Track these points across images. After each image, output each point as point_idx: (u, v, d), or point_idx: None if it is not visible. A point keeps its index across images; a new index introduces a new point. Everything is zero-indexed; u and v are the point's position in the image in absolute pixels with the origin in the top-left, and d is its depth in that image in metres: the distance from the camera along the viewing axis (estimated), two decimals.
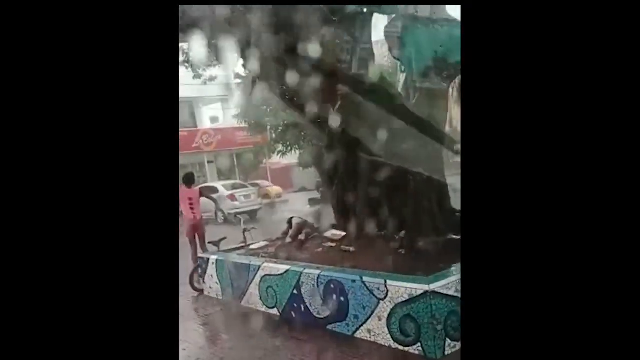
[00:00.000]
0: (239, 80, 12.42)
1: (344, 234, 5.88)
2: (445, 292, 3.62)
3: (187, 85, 17.96)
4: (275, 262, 5.35)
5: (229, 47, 5.69)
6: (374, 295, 3.99)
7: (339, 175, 6.09)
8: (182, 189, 7.18)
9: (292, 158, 20.77)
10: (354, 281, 4.18)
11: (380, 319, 3.96)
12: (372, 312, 4.03)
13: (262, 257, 5.77)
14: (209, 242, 6.91)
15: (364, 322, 4.11)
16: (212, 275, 6.33)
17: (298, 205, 16.67)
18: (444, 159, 5.83)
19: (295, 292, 4.85)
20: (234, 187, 17.19)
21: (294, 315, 4.92)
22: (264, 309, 5.34)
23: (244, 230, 7.03)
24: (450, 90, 6.09)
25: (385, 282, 3.91)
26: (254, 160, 22.69)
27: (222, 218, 15.36)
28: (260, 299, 5.38)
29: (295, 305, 4.87)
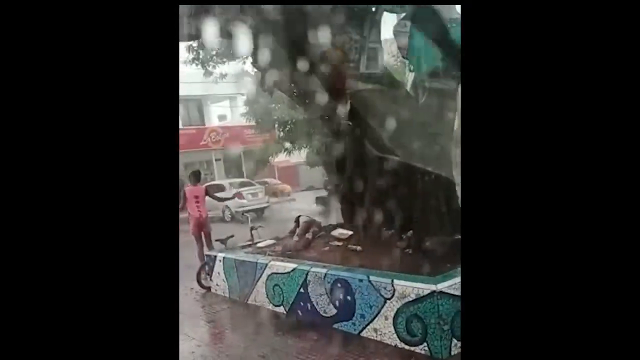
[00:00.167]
0: (248, 78, 12.45)
1: (351, 233, 5.87)
2: (452, 292, 3.60)
3: (196, 84, 18.09)
4: (282, 261, 5.35)
5: (240, 44, 5.70)
6: (380, 294, 3.99)
7: (346, 174, 6.08)
8: (188, 187, 7.21)
9: (299, 156, 20.80)
10: (360, 280, 4.18)
11: (386, 318, 3.96)
12: (379, 312, 4.02)
13: (269, 255, 5.78)
14: (217, 240, 6.94)
15: (371, 321, 4.11)
16: (219, 273, 6.35)
17: (305, 204, 16.68)
18: (452, 158, 5.80)
19: (301, 290, 4.85)
20: (241, 185, 17.22)
21: (300, 314, 4.92)
22: (270, 307, 5.35)
23: (251, 228, 7.05)
24: (459, 89, 6.06)
25: (392, 281, 3.91)
26: (261, 159, 22.70)
27: (230, 216, 15.41)
28: (267, 297, 5.39)
29: (301, 303, 4.88)
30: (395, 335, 3.90)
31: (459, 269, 3.93)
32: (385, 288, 3.95)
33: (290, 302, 5.04)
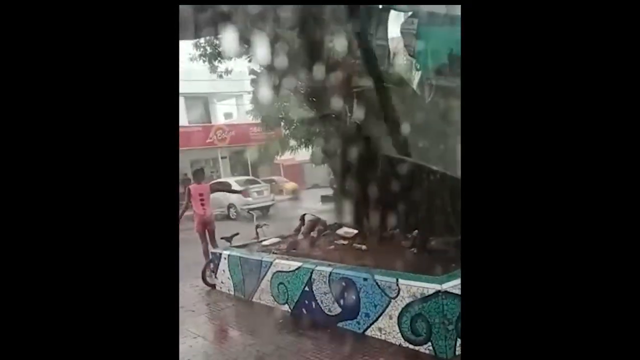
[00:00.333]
0: (253, 76, 12.45)
1: (356, 231, 5.87)
2: (457, 292, 3.58)
3: (202, 81, 18.13)
4: (287, 259, 5.36)
5: (246, 41, 5.70)
6: (385, 293, 3.98)
7: (352, 172, 6.08)
8: (193, 185, 7.24)
9: (304, 155, 20.79)
10: (365, 279, 4.17)
11: (391, 318, 3.95)
12: (383, 311, 4.01)
13: (273, 253, 5.78)
14: (222, 238, 6.95)
15: (375, 321, 4.10)
16: (224, 271, 6.36)
17: (310, 203, 16.69)
18: (458, 157, 5.78)
19: (306, 289, 4.85)
20: (247, 182, 17.25)
21: (305, 312, 4.92)
22: (275, 305, 5.36)
23: (257, 227, 7.05)
24: None
25: (397, 280, 3.90)
26: (267, 157, 22.73)
27: (235, 214, 15.44)
28: (272, 295, 5.40)
29: (306, 302, 4.88)
30: (399, 335, 3.89)
31: None
32: (389, 287, 3.94)
33: (295, 301, 5.04)
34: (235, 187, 16.01)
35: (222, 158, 23.26)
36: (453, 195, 5.19)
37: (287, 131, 17.50)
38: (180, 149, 18.47)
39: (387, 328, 4.00)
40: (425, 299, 3.65)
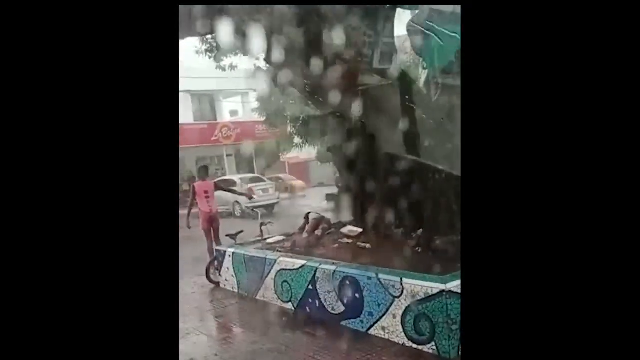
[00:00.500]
0: (260, 74, 12.42)
1: (360, 230, 5.86)
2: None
3: (208, 79, 18.15)
4: (291, 257, 5.35)
5: (252, 38, 5.69)
6: (389, 292, 3.97)
7: (357, 171, 6.06)
8: (198, 182, 7.25)
9: (310, 153, 20.79)
10: (369, 278, 4.16)
11: (394, 317, 3.93)
12: (387, 310, 4.00)
13: (278, 251, 5.78)
14: (226, 235, 6.95)
15: (379, 319, 4.09)
16: (228, 268, 6.36)
17: (315, 201, 16.67)
18: None
19: (310, 287, 4.85)
20: (252, 180, 17.26)
21: (308, 310, 4.92)
22: (278, 303, 5.35)
23: (261, 224, 7.05)
24: None
25: (401, 280, 3.88)
26: (272, 154, 22.74)
27: (240, 211, 15.46)
28: (276, 293, 5.40)
29: (310, 300, 4.87)
30: (403, 334, 3.88)
31: None
32: (393, 286, 3.92)
33: (299, 299, 5.03)
34: (240, 184, 16.05)
35: (227, 156, 23.30)
36: (458, 195, 5.16)
37: (293, 129, 17.48)
38: (186, 146, 18.61)
39: (390, 327, 3.98)
40: (429, 298, 3.63)
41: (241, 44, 6.18)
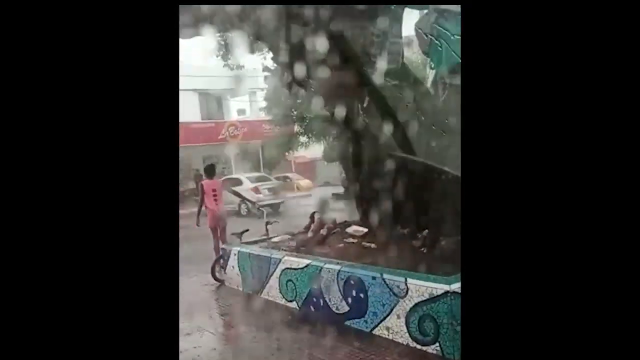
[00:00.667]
0: (267, 73, 12.46)
1: (366, 230, 5.85)
2: None
3: (216, 78, 18.19)
4: (296, 256, 5.35)
5: (259, 38, 5.70)
6: (393, 293, 3.96)
7: (363, 170, 6.05)
8: (205, 181, 7.27)
9: (316, 152, 20.78)
10: (374, 278, 4.16)
11: (399, 317, 3.93)
12: (391, 310, 3.99)
13: (283, 250, 5.78)
14: (232, 234, 6.97)
15: (383, 320, 4.08)
16: (233, 267, 6.38)
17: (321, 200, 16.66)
18: None
19: (314, 286, 4.84)
20: (258, 179, 17.27)
21: (312, 310, 4.92)
22: (283, 301, 5.36)
23: (267, 223, 7.06)
24: None
25: (406, 280, 3.88)
26: (279, 153, 22.73)
27: (246, 210, 15.49)
28: (280, 292, 5.40)
29: (314, 299, 4.87)
30: (407, 334, 3.87)
31: None
32: (398, 287, 3.92)
33: (303, 298, 5.04)
34: (246, 183, 16.07)
35: (236, 154, 23.30)
36: None
37: (300, 128, 17.50)
38: (193, 145, 18.65)
39: (394, 327, 3.98)
40: (434, 299, 3.62)
41: (249, 43, 6.20)
